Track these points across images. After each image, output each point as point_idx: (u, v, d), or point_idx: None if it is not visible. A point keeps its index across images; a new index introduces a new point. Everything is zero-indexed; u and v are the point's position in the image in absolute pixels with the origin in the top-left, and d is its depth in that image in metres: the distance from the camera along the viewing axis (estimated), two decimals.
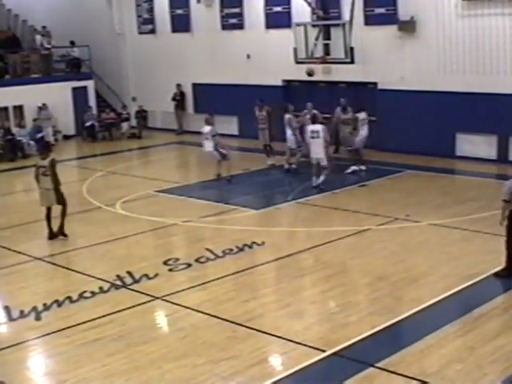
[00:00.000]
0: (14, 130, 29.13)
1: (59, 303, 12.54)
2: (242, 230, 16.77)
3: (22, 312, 12.22)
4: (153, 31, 32.97)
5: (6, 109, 30.27)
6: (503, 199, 12.33)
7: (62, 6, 35.36)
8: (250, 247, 15.34)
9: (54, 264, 14.99)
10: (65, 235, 16.63)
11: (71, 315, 11.93)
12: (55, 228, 16.61)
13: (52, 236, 16.61)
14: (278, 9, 27.80)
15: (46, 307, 12.37)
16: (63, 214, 16.61)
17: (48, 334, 11.27)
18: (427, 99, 23.67)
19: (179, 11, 31.46)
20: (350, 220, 17.30)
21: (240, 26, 29.30)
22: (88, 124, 31.72)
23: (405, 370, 9.44)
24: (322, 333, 10.86)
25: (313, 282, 13.43)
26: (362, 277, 13.56)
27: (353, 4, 24.31)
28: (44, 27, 33.76)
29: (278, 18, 27.77)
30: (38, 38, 33.23)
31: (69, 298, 12.75)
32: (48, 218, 16.67)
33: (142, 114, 32.81)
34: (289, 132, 22.25)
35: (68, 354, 10.59)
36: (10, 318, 12.10)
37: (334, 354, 10.09)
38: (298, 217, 18.33)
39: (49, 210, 16.66)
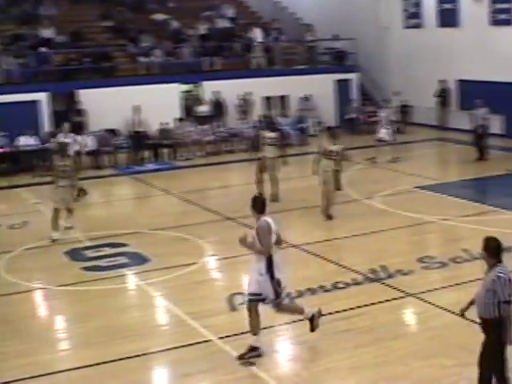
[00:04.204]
0: (279, 119, 30.05)
1: (312, 291, 12.76)
2: (501, 232, 16.06)
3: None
4: (418, 25, 32.57)
5: (270, 98, 31.36)
6: None
7: None
8: (510, 251, 14.69)
9: (309, 252, 15.27)
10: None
11: (324, 304, 12.05)
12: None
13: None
14: None
15: (300, 294, 12.63)
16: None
17: (298, 321, 11.49)
18: None
19: (447, 5, 30.81)
20: None
21: (509, 22, 28.14)
22: (349, 116, 32.00)
23: None
24: None
25: None
26: None
27: None
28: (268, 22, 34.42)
29: None
30: (257, 30, 33.62)
31: (322, 287, 12.94)
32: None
33: (404, 109, 32.59)
34: None
35: (317, 342, 10.76)
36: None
37: None
38: None
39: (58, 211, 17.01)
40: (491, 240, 8.50)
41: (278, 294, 10.38)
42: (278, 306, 10.57)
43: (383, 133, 25.01)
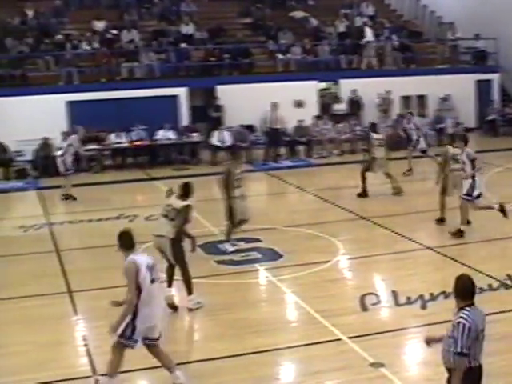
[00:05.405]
0: (415, 118, 29.62)
1: (446, 295, 12.47)
2: None
3: (408, 298, 12.45)
4: None
5: (408, 98, 30.98)
6: None
7: None
8: None
9: (443, 255, 15.01)
10: None
11: None
12: None
13: None
14: None
15: (433, 297, 12.46)
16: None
17: (432, 324, 11.29)
18: None
19: None
20: None
21: None
22: (490, 118, 31.23)
23: None
24: None
25: None
26: None
27: None
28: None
29: None
30: (367, 29, 32.84)
31: None
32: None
33: None
34: None
35: None
36: (396, 303, 12.40)
37: None
38: None
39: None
40: (461, 279, 7.42)
41: (122, 335, 9.08)
42: (116, 346, 9.22)
43: (423, 142, 24.08)
